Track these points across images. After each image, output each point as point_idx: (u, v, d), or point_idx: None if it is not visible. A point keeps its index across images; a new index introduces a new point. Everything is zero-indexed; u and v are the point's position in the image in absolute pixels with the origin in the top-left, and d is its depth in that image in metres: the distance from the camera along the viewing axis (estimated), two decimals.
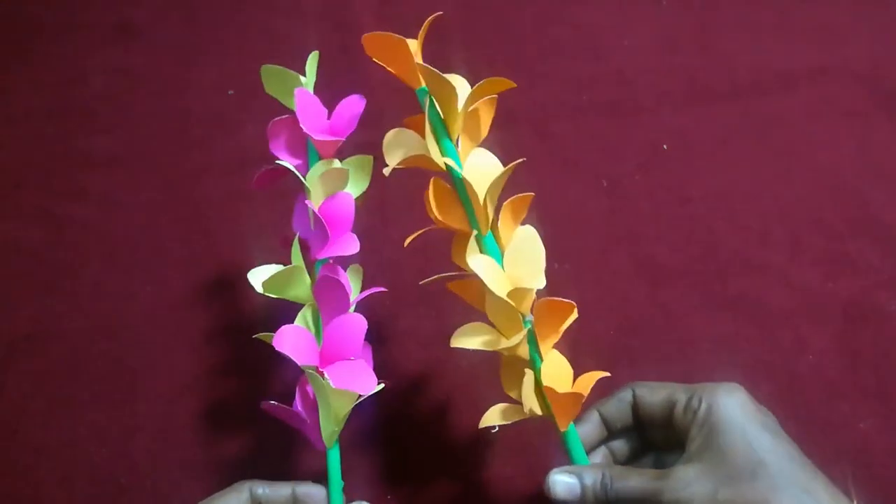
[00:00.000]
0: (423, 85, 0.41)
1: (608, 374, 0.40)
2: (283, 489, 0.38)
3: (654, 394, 0.39)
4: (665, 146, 0.63)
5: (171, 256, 0.56)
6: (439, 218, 0.40)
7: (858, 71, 0.68)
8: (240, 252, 0.56)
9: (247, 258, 0.56)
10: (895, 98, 0.66)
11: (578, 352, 0.51)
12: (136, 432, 0.48)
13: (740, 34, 0.71)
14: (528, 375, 0.39)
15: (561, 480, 0.37)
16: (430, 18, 0.42)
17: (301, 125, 0.42)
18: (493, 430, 0.44)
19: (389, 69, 0.42)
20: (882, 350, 0.52)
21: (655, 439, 0.40)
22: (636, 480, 0.35)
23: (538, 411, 0.38)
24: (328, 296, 0.40)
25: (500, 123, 0.64)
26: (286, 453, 0.48)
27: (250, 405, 0.50)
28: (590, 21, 0.72)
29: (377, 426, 0.49)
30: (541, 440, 0.47)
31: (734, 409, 0.35)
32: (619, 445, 0.41)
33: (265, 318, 0.53)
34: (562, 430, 0.39)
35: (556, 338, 0.39)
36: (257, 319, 0.53)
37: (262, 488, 0.38)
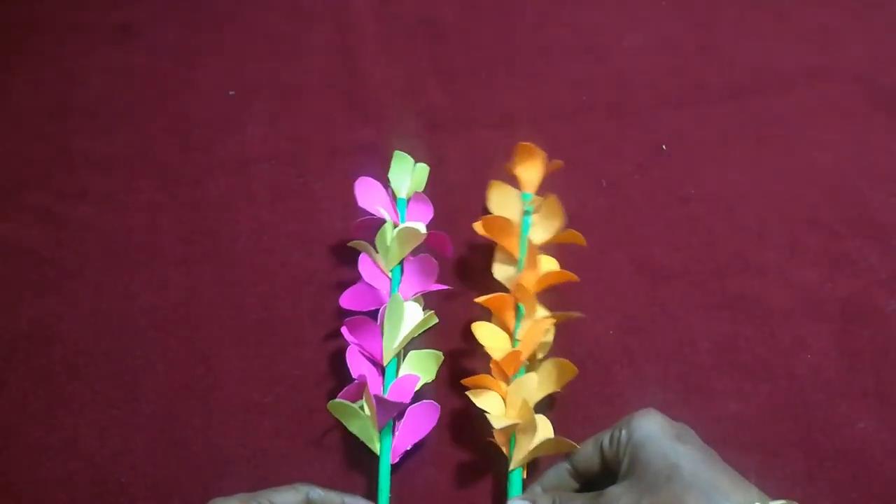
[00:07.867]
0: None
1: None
2: (335, 498, 0.42)
3: (583, 449, 0.43)
4: (665, 146, 0.63)
5: (171, 256, 0.56)
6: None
7: (857, 71, 0.68)
8: (240, 252, 0.56)
9: (246, 258, 0.56)
10: (894, 98, 0.66)
11: (578, 352, 0.51)
12: (136, 432, 0.48)
13: (740, 34, 0.71)
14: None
15: None
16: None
17: None
18: (491, 439, 0.45)
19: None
20: (881, 350, 0.52)
21: (600, 485, 0.43)
22: (579, 501, 0.41)
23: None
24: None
25: (500, 123, 0.64)
26: (286, 453, 0.48)
27: (250, 405, 0.50)
28: (590, 21, 0.72)
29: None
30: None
31: (650, 428, 0.40)
32: None
33: (266, 317, 0.53)
34: (511, 468, 0.45)
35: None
36: (257, 319, 0.53)
37: (317, 493, 0.41)
